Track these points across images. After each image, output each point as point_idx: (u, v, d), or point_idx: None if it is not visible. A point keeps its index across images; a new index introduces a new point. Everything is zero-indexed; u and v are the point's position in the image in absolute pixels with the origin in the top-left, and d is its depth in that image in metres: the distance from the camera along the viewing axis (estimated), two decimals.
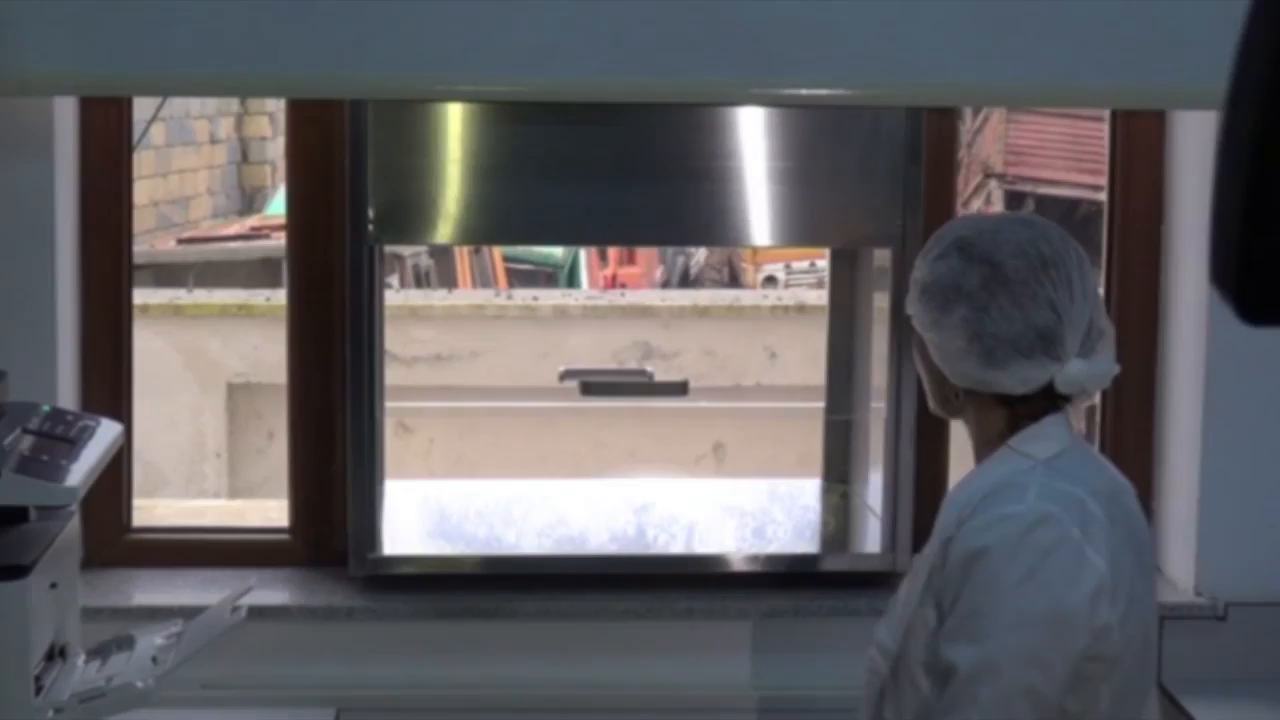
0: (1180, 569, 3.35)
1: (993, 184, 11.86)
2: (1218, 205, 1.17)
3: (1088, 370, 2.44)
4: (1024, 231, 2.46)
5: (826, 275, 3.61)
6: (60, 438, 2.64)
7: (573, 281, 11.66)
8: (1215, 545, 3.29)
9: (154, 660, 2.70)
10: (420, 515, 3.59)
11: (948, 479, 3.41)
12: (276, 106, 11.38)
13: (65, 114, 3.20)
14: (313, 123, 3.28)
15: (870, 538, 3.32)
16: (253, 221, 11.95)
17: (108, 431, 2.75)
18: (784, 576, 3.30)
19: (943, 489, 3.40)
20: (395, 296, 8.34)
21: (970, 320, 2.42)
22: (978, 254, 2.43)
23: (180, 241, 11.33)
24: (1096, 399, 3.09)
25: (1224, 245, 1.17)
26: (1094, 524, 2.35)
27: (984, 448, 2.50)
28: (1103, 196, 3.53)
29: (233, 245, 10.98)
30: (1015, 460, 2.44)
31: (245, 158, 13.39)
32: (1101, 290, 3.48)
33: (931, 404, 2.61)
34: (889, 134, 3.17)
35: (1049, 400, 2.45)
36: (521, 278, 11.02)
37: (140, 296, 4.57)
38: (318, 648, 3.20)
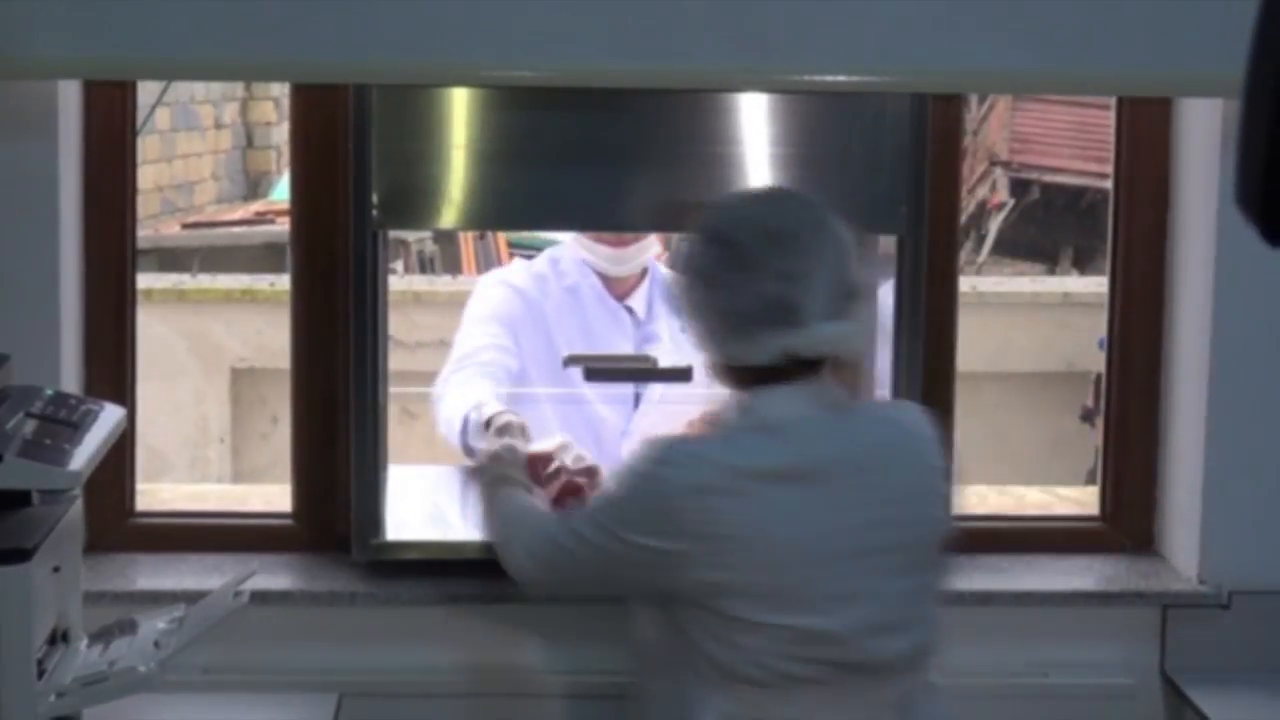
0: (1184, 557, 3.34)
1: (998, 171, 11.84)
2: (1244, 132, 1.18)
3: (832, 333, 2.51)
4: (755, 207, 2.60)
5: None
6: (63, 422, 2.64)
7: None
8: (1219, 534, 3.29)
9: (156, 645, 2.70)
10: (423, 501, 3.59)
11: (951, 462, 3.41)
12: (281, 91, 11.37)
13: (69, 98, 3.20)
14: (317, 108, 3.27)
15: None
16: (257, 207, 11.94)
17: (111, 416, 2.75)
18: None
19: None
20: (399, 282, 8.34)
21: (711, 299, 2.53)
22: (713, 234, 2.55)
23: (184, 226, 11.33)
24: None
25: (1250, 170, 1.19)
26: (712, 495, 2.45)
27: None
28: (1108, 184, 3.53)
29: (237, 230, 10.98)
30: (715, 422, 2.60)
31: (250, 143, 13.38)
32: (1107, 278, 3.48)
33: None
34: (894, 120, 3.16)
35: (808, 368, 2.54)
36: None
37: (144, 281, 4.58)
38: (320, 633, 3.20)
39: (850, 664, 2.51)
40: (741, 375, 2.56)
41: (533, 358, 3.73)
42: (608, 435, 3.73)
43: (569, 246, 3.83)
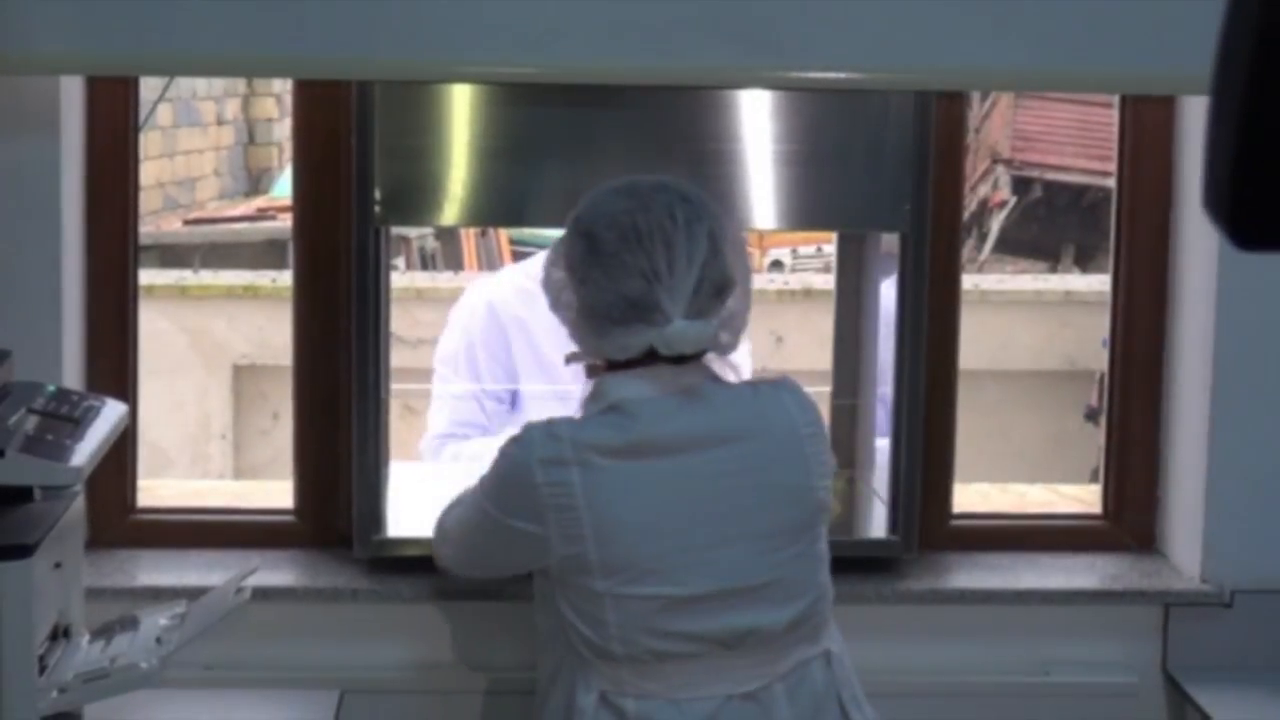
0: (1186, 556, 3.34)
1: (1000, 169, 11.84)
2: (1211, 136, 1.19)
3: (694, 332, 2.53)
4: (623, 203, 2.58)
5: (833, 260, 3.61)
6: (65, 418, 2.64)
7: None
8: (1221, 533, 3.29)
9: (158, 641, 2.70)
10: (425, 497, 3.59)
11: (954, 463, 3.41)
12: (283, 88, 11.37)
13: (72, 94, 3.20)
14: (320, 104, 3.27)
15: (876, 522, 3.31)
16: (259, 203, 11.95)
17: (112, 412, 2.75)
18: None
19: (950, 473, 3.40)
20: (401, 279, 8.35)
21: (577, 294, 2.57)
22: (581, 228, 2.59)
23: (186, 223, 11.34)
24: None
25: (1217, 174, 1.19)
26: (562, 467, 2.52)
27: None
28: (1110, 182, 3.52)
29: (238, 226, 10.99)
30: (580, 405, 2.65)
31: (251, 139, 13.39)
32: (1110, 276, 3.48)
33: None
34: (897, 118, 3.16)
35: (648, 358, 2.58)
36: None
37: (146, 277, 4.57)
38: (322, 629, 3.20)
39: (713, 636, 2.54)
40: (606, 363, 2.62)
41: (524, 372, 3.74)
42: None
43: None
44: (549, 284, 2.63)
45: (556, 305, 2.63)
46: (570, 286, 2.58)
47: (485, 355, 3.73)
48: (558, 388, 3.69)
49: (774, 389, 2.66)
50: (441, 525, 2.83)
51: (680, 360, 2.56)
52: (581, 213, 2.60)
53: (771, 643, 2.57)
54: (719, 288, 2.56)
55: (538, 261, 3.84)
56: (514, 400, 3.76)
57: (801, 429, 2.61)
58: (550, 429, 2.57)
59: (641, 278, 2.52)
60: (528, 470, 2.55)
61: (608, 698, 2.57)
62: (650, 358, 2.56)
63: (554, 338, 3.74)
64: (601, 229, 2.55)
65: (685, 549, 2.54)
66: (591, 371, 3.52)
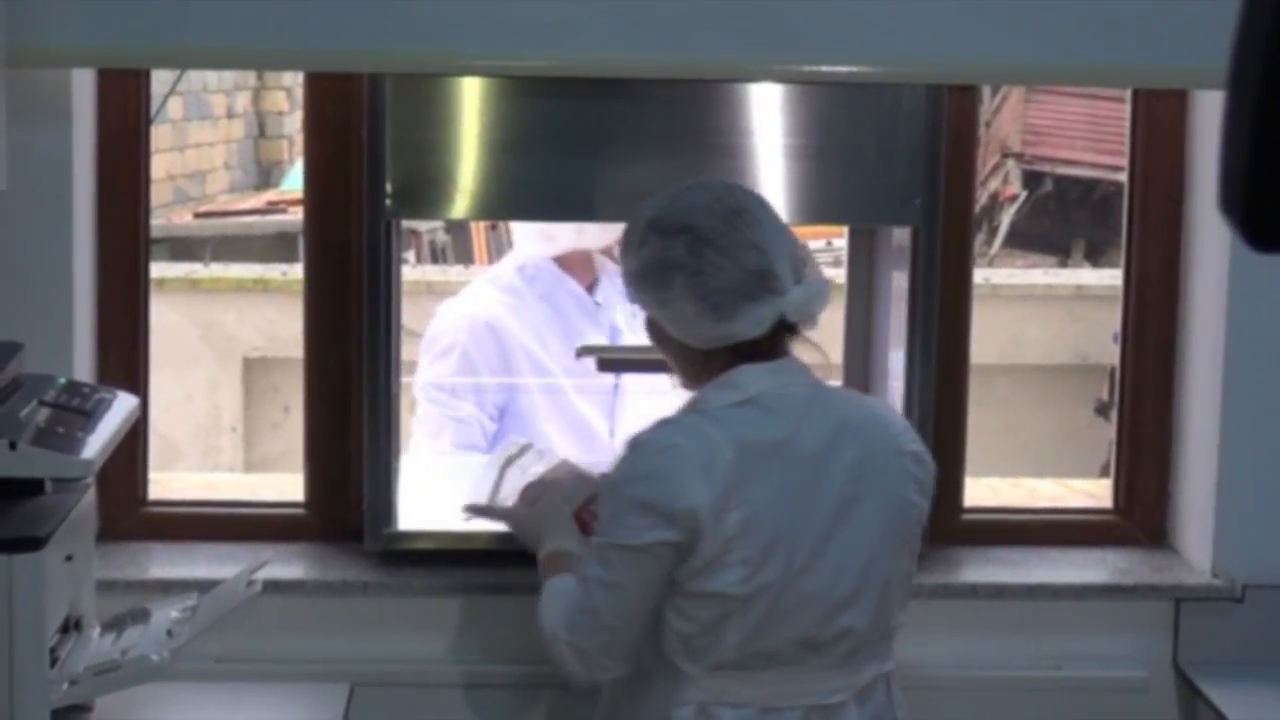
0: (1197, 551, 3.34)
1: (1010, 163, 11.83)
2: (1226, 136, 1.18)
3: (804, 295, 2.57)
4: (699, 194, 2.61)
5: (844, 254, 3.60)
6: (76, 410, 2.64)
7: None
8: (1233, 527, 3.29)
9: (169, 633, 2.71)
10: (436, 490, 3.59)
11: (965, 457, 3.41)
12: (294, 81, 11.37)
13: (83, 87, 3.20)
14: (331, 97, 3.27)
15: None
16: (269, 196, 11.95)
17: (123, 404, 2.75)
18: None
19: (961, 467, 3.40)
20: (411, 272, 8.34)
21: (692, 285, 2.54)
22: (671, 227, 2.57)
23: (197, 216, 11.34)
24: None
25: (1232, 175, 1.19)
26: (718, 467, 2.48)
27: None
28: (1121, 177, 3.52)
29: (249, 220, 10.99)
30: (696, 406, 2.60)
31: (262, 132, 13.39)
32: (1121, 271, 3.48)
33: (679, 381, 2.70)
34: (909, 112, 3.15)
35: (777, 340, 2.59)
36: None
37: (157, 270, 4.57)
38: (333, 622, 3.21)
39: (816, 640, 2.55)
40: (721, 357, 2.59)
41: (521, 377, 3.75)
42: (591, 435, 3.74)
43: (528, 247, 3.82)
44: (648, 296, 2.59)
45: (662, 306, 2.58)
46: (678, 285, 2.55)
47: (486, 373, 3.73)
48: (553, 380, 3.71)
49: (881, 402, 2.76)
50: (564, 620, 2.59)
51: (783, 346, 2.60)
52: (662, 215, 2.59)
53: (857, 650, 2.58)
54: (803, 256, 2.62)
55: (508, 263, 3.86)
56: (501, 414, 3.76)
57: (909, 445, 2.65)
58: (692, 427, 2.54)
59: (755, 249, 2.55)
60: (681, 473, 2.49)
61: (706, 709, 2.55)
62: (764, 343, 2.57)
63: (543, 333, 3.76)
64: (698, 219, 2.57)
65: (809, 552, 2.53)
66: (604, 366, 3.54)
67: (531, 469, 3.06)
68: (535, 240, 3.80)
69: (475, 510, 3.04)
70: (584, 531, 2.77)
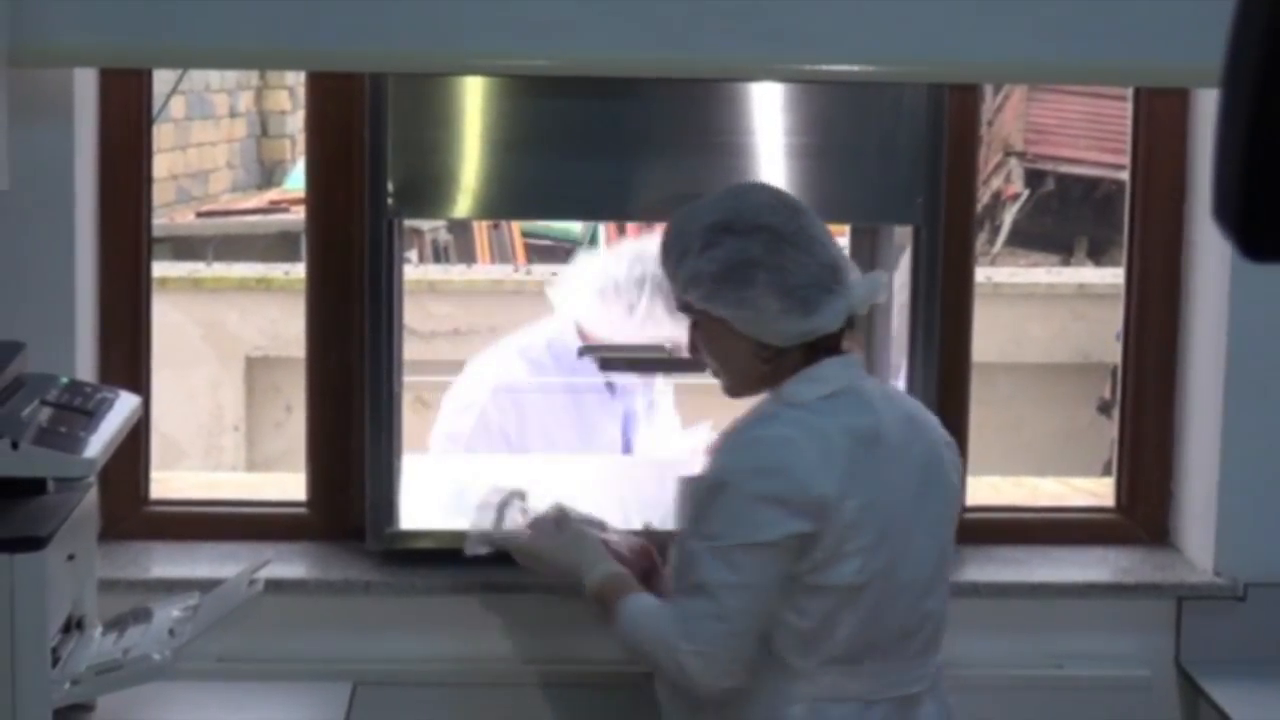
0: (1200, 549, 3.34)
1: (1013, 162, 11.82)
2: (1220, 145, 1.18)
3: (869, 285, 2.63)
4: (763, 193, 2.68)
5: (846, 252, 3.60)
6: (78, 410, 2.65)
7: None
8: (1235, 526, 3.29)
9: (171, 633, 2.71)
10: (438, 490, 3.59)
11: (967, 456, 3.41)
12: (296, 80, 11.37)
13: (85, 86, 3.20)
14: (333, 96, 3.27)
15: None
16: (272, 195, 11.94)
17: (126, 404, 2.75)
18: None
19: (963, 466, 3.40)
20: (414, 271, 8.33)
21: (775, 282, 2.57)
22: (744, 226, 2.59)
23: (199, 215, 11.33)
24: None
25: (1226, 183, 1.18)
26: (834, 455, 2.51)
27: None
28: (1123, 175, 3.52)
29: (251, 219, 10.98)
30: (784, 399, 2.61)
31: (265, 131, 13.37)
32: (1123, 269, 3.48)
33: (733, 389, 2.70)
34: (910, 111, 3.16)
35: (838, 337, 2.63)
36: (540, 253, 10.99)
37: (159, 269, 4.57)
38: (334, 622, 3.21)
39: (908, 628, 2.60)
40: (795, 354, 2.62)
41: (530, 442, 3.81)
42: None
43: (568, 330, 3.83)
44: (728, 296, 2.58)
45: (744, 305, 2.58)
46: (761, 283, 2.57)
47: (500, 435, 3.78)
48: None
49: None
50: (681, 631, 2.55)
51: (842, 341, 2.65)
52: (732, 216, 2.61)
53: (934, 636, 2.65)
54: (845, 250, 2.70)
55: (539, 336, 3.87)
56: None
57: (944, 434, 2.72)
58: (799, 420, 2.56)
59: (823, 244, 2.61)
60: (806, 463, 2.51)
61: (816, 706, 2.57)
62: (827, 347, 2.61)
63: (559, 411, 3.81)
64: (770, 217, 2.60)
65: (902, 535, 2.58)
66: (606, 365, 3.55)
67: (531, 508, 3.01)
68: (576, 324, 3.81)
69: (486, 542, 2.99)
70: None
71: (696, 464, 2.70)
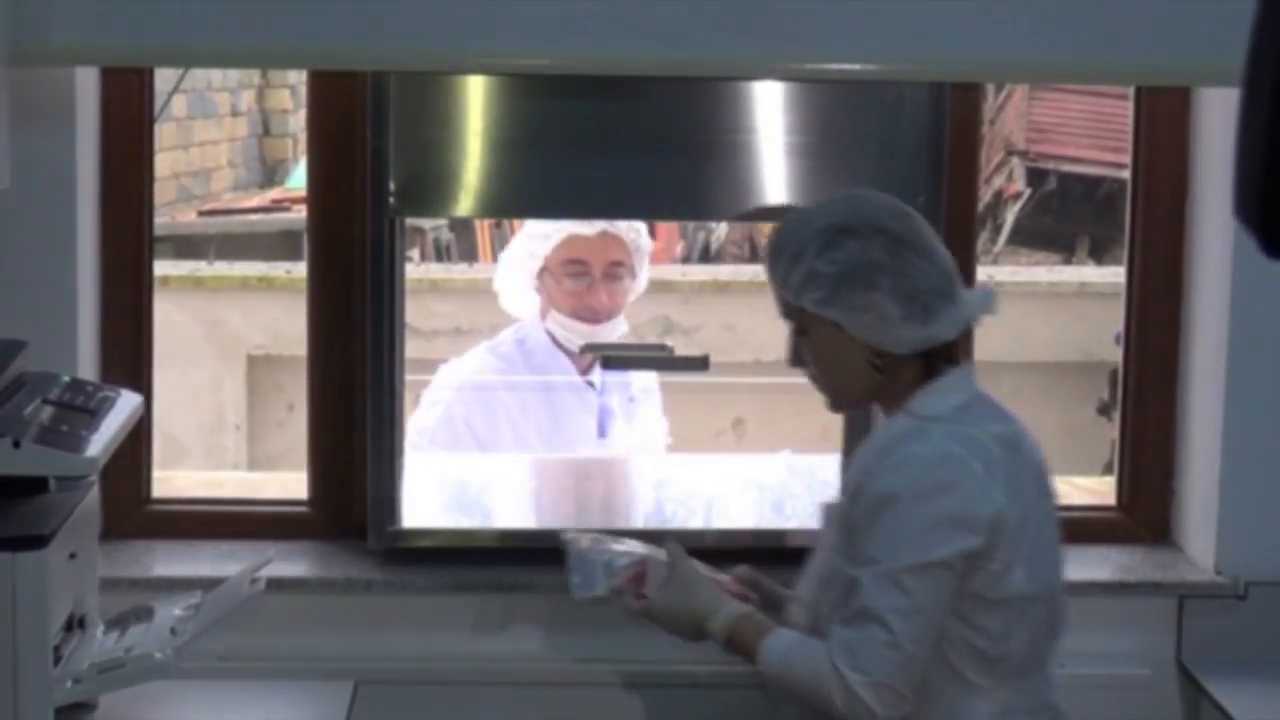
0: (1200, 548, 3.34)
1: (1014, 161, 11.82)
2: (1242, 142, 1.17)
3: (982, 295, 2.60)
4: (879, 199, 2.61)
5: None
6: (80, 408, 2.65)
7: None
8: (1236, 524, 3.29)
9: (173, 631, 2.71)
10: (439, 488, 3.60)
11: None
12: (298, 79, 11.36)
13: (87, 85, 3.20)
14: (334, 95, 3.27)
15: None
16: (274, 194, 11.94)
17: (127, 402, 2.76)
18: (803, 551, 3.28)
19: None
20: (415, 270, 8.33)
21: (898, 286, 2.51)
22: (865, 229, 2.53)
23: (201, 214, 11.33)
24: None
25: (1248, 181, 1.18)
26: (996, 464, 2.47)
27: (901, 406, 2.59)
28: (1125, 174, 3.52)
29: (253, 218, 10.98)
30: (920, 414, 2.55)
31: (266, 130, 13.38)
32: (1124, 268, 3.48)
33: (840, 400, 2.66)
34: (912, 109, 3.16)
35: (954, 347, 2.58)
36: None
37: (161, 268, 4.57)
38: (336, 620, 3.21)
39: (1057, 634, 2.61)
40: (912, 364, 2.56)
41: (501, 435, 3.86)
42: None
43: (536, 325, 3.92)
44: (849, 299, 2.51)
45: (865, 310, 2.51)
46: (884, 287, 2.50)
47: (465, 431, 3.83)
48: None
49: None
50: (849, 663, 2.43)
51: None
52: (850, 219, 2.54)
53: (1064, 641, 2.65)
54: None
55: (509, 333, 3.91)
56: None
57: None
58: (949, 432, 2.50)
59: (940, 251, 2.57)
60: (973, 477, 2.46)
61: None
62: (945, 356, 2.56)
63: (528, 405, 3.84)
64: (889, 220, 2.55)
65: (1046, 540, 2.58)
66: (608, 364, 3.55)
67: (615, 558, 2.85)
68: (579, 338, 3.86)
69: (592, 601, 2.85)
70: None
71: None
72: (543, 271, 3.86)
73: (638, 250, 3.88)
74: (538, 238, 3.84)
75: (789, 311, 2.59)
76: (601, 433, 3.92)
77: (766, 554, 3.27)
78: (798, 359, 2.62)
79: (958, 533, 2.43)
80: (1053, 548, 2.61)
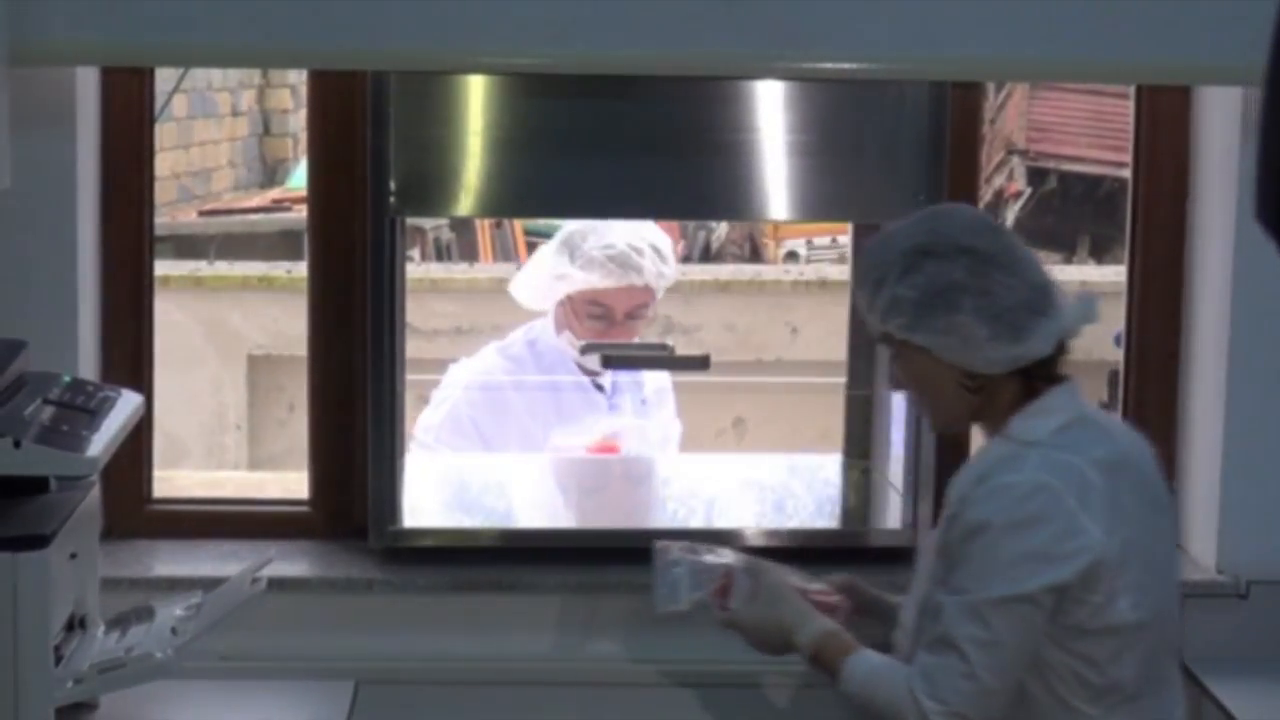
0: (1202, 547, 3.34)
1: (1015, 160, 11.82)
2: (1264, 147, 1.16)
3: (1084, 306, 2.52)
4: (962, 215, 2.57)
5: (848, 250, 3.61)
6: (81, 408, 2.65)
7: None
8: (1237, 523, 3.28)
9: (173, 631, 2.71)
10: (440, 488, 3.60)
11: (969, 455, 3.40)
12: (299, 79, 11.37)
13: (87, 85, 3.20)
14: (335, 95, 3.27)
15: (891, 513, 3.31)
16: (274, 194, 11.96)
17: (128, 402, 2.76)
18: (803, 551, 3.29)
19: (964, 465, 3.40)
20: (416, 269, 8.34)
21: (981, 306, 2.46)
22: (946, 249, 2.48)
23: (201, 214, 11.34)
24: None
25: (1269, 185, 1.17)
26: (1093, 493, 2.41)
27: (1000, 429, 2.54)
28: (1126, 173, 3.52)
29: (254, 218, 10.99)
30: (1018, 438, 2.49)
31: (267, 130, 13.39)
32: (1125, 267, 3.48)
33: (940, 422, 2.64)
34: (913, 108, 3.16)
35: (1053, 363, 2.52)
36: None
37: (161, 268, 4.58)
38: (337, 620, 3.21)
39: (1174, 655, 2.57)
40: (1008, 384, 2.52)
41: (507, 435, 3.87)
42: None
43: (546, 326, 3.93)
44: (932, 323, 2.47)
45: (949, 332, 2.47)
46: (967, 308, 2.45)
47: (472, 430, 3.83)
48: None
49: None
50: (927, 691, 2.41)
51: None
52: (931, 239, 2.49)
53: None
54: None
55: (520, 333, 3.91)
56: None
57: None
58: (1046, 460, 2.44)
59: (1032, 265, 2.51)
60: (1064, 510, 2.40)
61: None
62: (1043, 374, 2.51)
63: (536, 406, 3.85)
64: (973, 239, 2.49)
65: (1161, 561, 2.54)
66: (608, 363, 3.55)
67: (701, 569, 2.79)
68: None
69: (678, 616, 2.81)
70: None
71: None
72: (565, 298, 3.86)
73: (660, 285, 3.87)
74: (562, 264, 3.82)
75: (880, 336, 2.57)
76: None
77: (767, 554, 3.28)
78: (897, 383, 2.62)
79: (1045, 568, 2.38)
80: (1168, 567, 2.56)
